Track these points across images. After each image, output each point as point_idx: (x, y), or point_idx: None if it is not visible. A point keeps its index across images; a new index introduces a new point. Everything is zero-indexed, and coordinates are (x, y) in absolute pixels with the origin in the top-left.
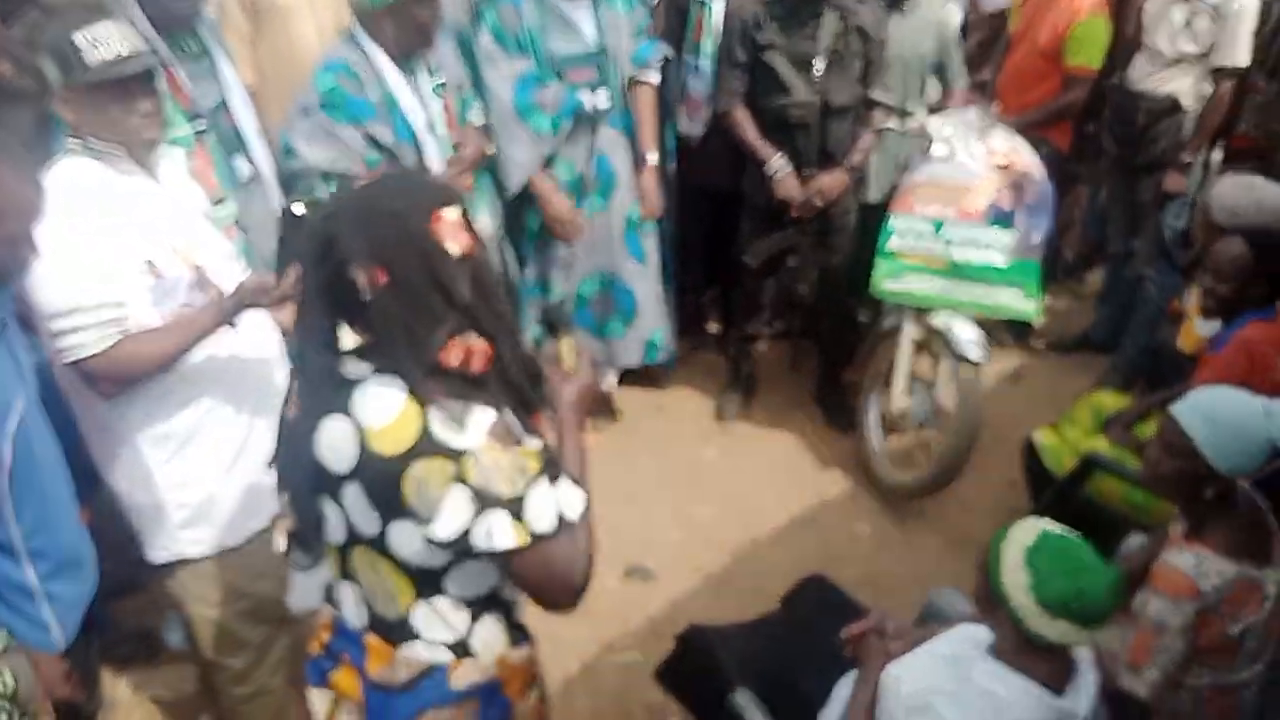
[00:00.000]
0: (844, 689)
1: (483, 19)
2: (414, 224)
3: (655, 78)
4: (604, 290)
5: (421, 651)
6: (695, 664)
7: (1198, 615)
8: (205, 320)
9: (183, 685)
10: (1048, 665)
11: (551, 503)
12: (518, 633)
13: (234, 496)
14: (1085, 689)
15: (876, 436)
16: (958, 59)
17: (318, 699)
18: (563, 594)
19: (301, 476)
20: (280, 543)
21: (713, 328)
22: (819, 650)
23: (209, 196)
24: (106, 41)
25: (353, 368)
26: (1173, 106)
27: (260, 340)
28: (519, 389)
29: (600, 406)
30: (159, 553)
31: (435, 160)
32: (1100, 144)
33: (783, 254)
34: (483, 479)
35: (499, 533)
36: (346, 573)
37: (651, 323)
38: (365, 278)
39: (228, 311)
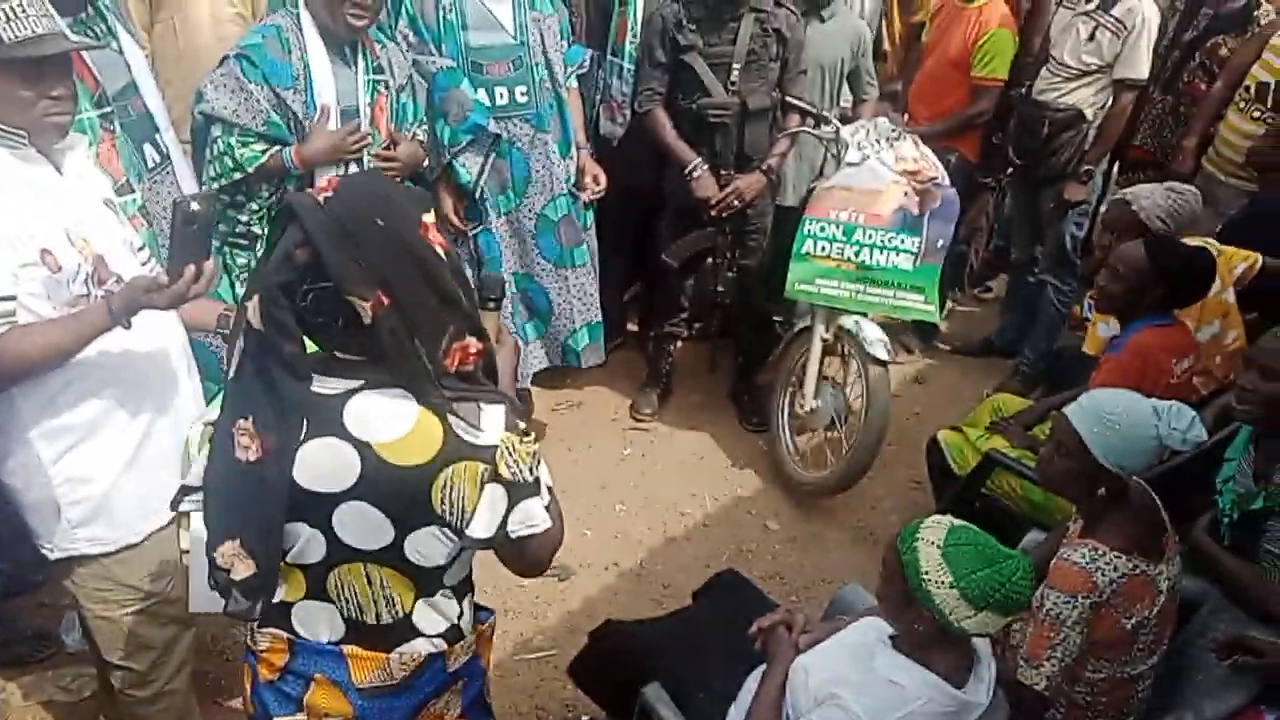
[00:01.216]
0: (754, 682)
1: (401, 7)
2: (406, 236)
3: (575, 83)
4: (518, 290)
5: (422, 646)
6: (607, 660)
7: (1093, 609)
8: (93, 319)
9: (80, 687)
10: (949, 658)
11: (546, 475)
12: (481, 609)
13: (132, 494)
14: (985, 680)
15: (787, 435)
16: (870, 68)
17: None
18: (548, 560)
19: (271, 512)
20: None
21: (632, 326)
22: (730, 644)
23: (114, 184)
24: (24, 18)
25: (324, 384)
26: (1076, 118)
27: (161, 335)
28: (494, 375)
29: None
30: (54, 551)
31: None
32: (1006, 154)
33: (701, 254)
34: (514, 471)
35: (537, 517)
36: (314, 593)
37: (569, 323)
38: (368, 303)
39: (118, 312)
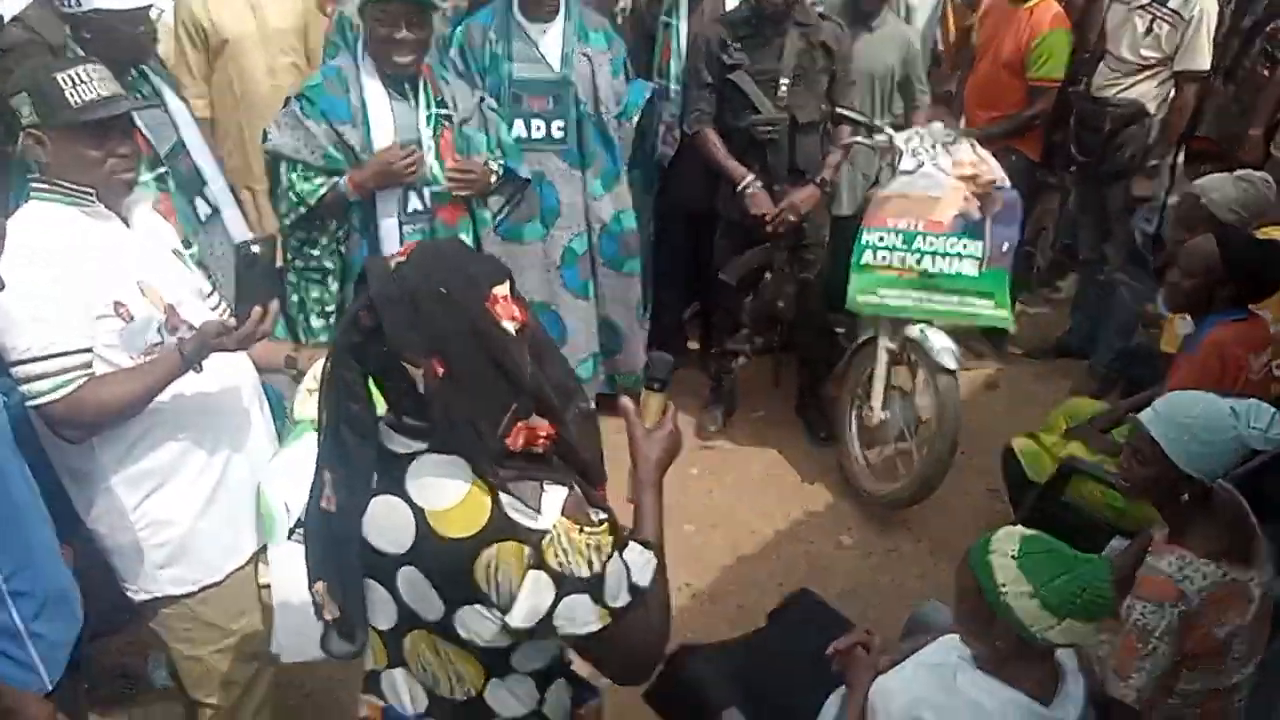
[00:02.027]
0: (833, 706)
1: (453, 36)
2: (469, 306)
3: (633, 120)
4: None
5: None
6: (684, 684)
7: (1182, 620)
8: (168, 366)
9: None
10: (1034, 674)
11: (624, 574)
12: (583, 689)
13: (212, 534)
14: (1073, 697)
15: (857, 448)
16: (922, 74)
17: None
18: (638, 668)
19: (345, 564)
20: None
21: (693, 346)
22: (807, 667)
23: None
24: (89, 82)
25: (399, 442)
26: (1138, 112)
27: (232, 377)
28: (582, 464)
29: None
30: (139, 593)
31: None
32: (1068, 152)
33: (759, 270)
34: (561, 561)
35: (581, 615)
36: (396, 659)
37: (578, 353)
38: (420, 370)
39: (190, 357)
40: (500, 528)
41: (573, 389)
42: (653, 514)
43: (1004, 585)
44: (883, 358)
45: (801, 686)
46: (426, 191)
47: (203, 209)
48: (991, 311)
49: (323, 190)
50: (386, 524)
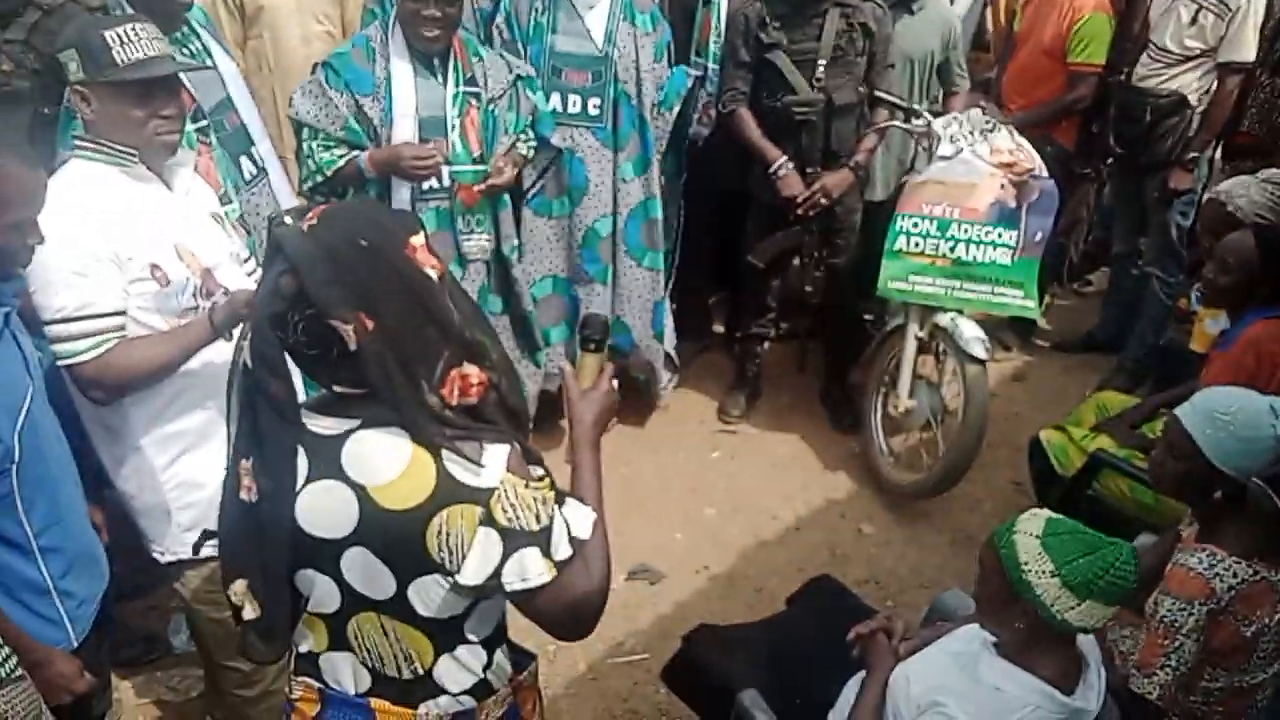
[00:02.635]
0: (852, 690)
1: (501, 3)
2: (390, 256)
3: (673, 109)
4: (555, 293)
5: (447, 705)
6: (701, 664)
7: (1210, 617)
8: (198, 333)
9: (188, 688)
10: (1055, 661)
11: (565, 528)
12: (521, 654)
13: None
14: (1094, 687)
15: (881, 437)
16: (961, 59)
17: None
18: (581, 621)
19: (270, 556)
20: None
21: (718, 328)
22: (826, 651)
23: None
24: (136, 41)
25: (323, 424)
26: (1179, 104)
27: None
28: (511, 411)
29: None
30: (165, 554)
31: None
32: (1106, 142)
33: (788, 254)
34: (510, 517)
35: (532, 569)
36: (338, 644)
37: None
38: (350, 326)
39: (220, 325)
40: (447, 491)
41: (493, 335)
42: (590, 470)
43: (1026, 563)
44: (911, 345)
45: (820, 670)
46: (445, 171)
47: (248, 168)
48: (1020, 302)
49: (340, 162)
50: (325, 509)
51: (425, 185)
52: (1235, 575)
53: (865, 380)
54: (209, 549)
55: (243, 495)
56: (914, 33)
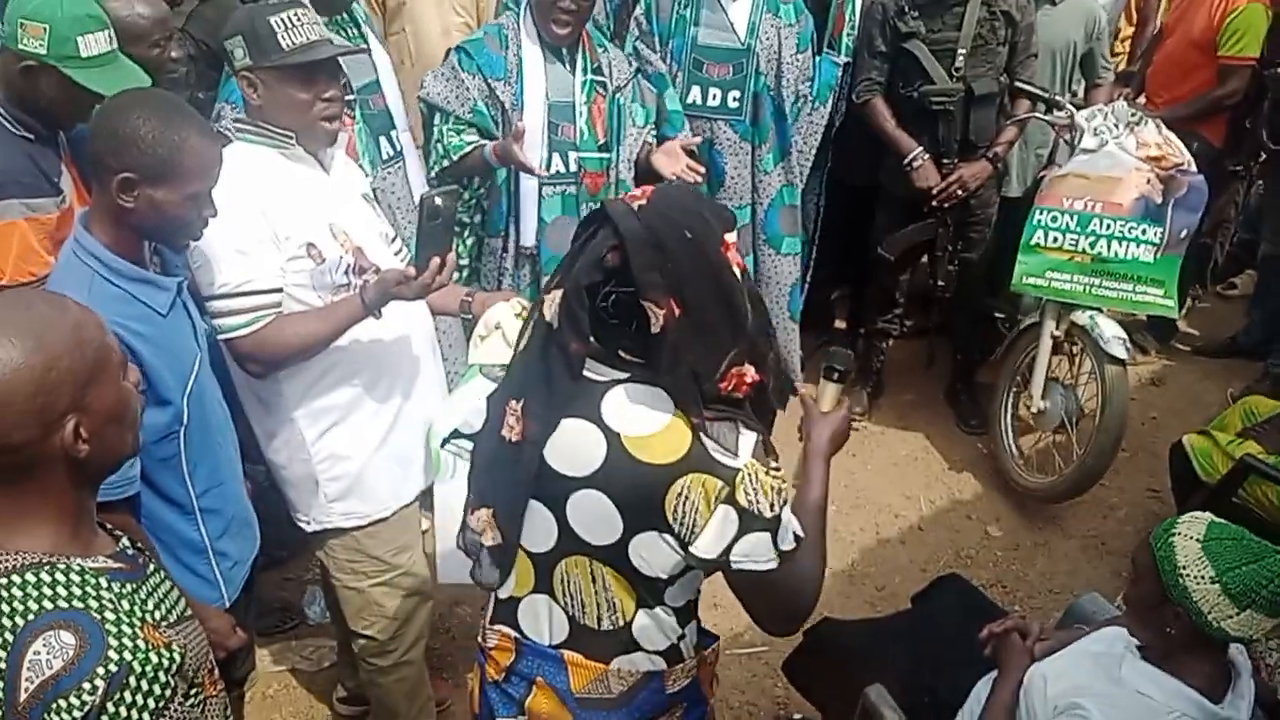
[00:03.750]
0: (983, 689)
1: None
2: (710, 251)
3: (824, 105)
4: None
5: (641, 662)
6: (825, 658)
7: None
8: (350, 310)
9: (320, 658)
10: (1205, 669)
11: (791, 522)
12: (706, 635)
13: (383, 472)
14: (1245, 698)
15: (1011, 438)
16: (1105, 51)
17: None
18: (792, 614)
19: (519, 492)
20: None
21: (840, 324)
22: (955, 649)
23: None
24: (299, 26)
25: (594, 369)
26: None
27: (409, 324)
28: (771, 414)
29: None
30: (310, 524)
31: (535, 142)
32: (1258, 138)
33: (920, 248)
34: (751, 500)
35: (761, 553)
36: (543, 585)
37: None
38: (661, 310)
39: (371, 303)
40: (698, 460)
41: (773, 341)
42: (820, 482)
43: (1184, 567)
44: (1046, 344)
45: (949, 668)
46: (573, 155)
47: (386, 149)
48: (1161, 301)
49: (468, 148)
50: (573, 447)
51: (553, 170)
52: None
53: (995, 380)
54: (452, 449)
55: (504, 433)
56: (1056, 22)
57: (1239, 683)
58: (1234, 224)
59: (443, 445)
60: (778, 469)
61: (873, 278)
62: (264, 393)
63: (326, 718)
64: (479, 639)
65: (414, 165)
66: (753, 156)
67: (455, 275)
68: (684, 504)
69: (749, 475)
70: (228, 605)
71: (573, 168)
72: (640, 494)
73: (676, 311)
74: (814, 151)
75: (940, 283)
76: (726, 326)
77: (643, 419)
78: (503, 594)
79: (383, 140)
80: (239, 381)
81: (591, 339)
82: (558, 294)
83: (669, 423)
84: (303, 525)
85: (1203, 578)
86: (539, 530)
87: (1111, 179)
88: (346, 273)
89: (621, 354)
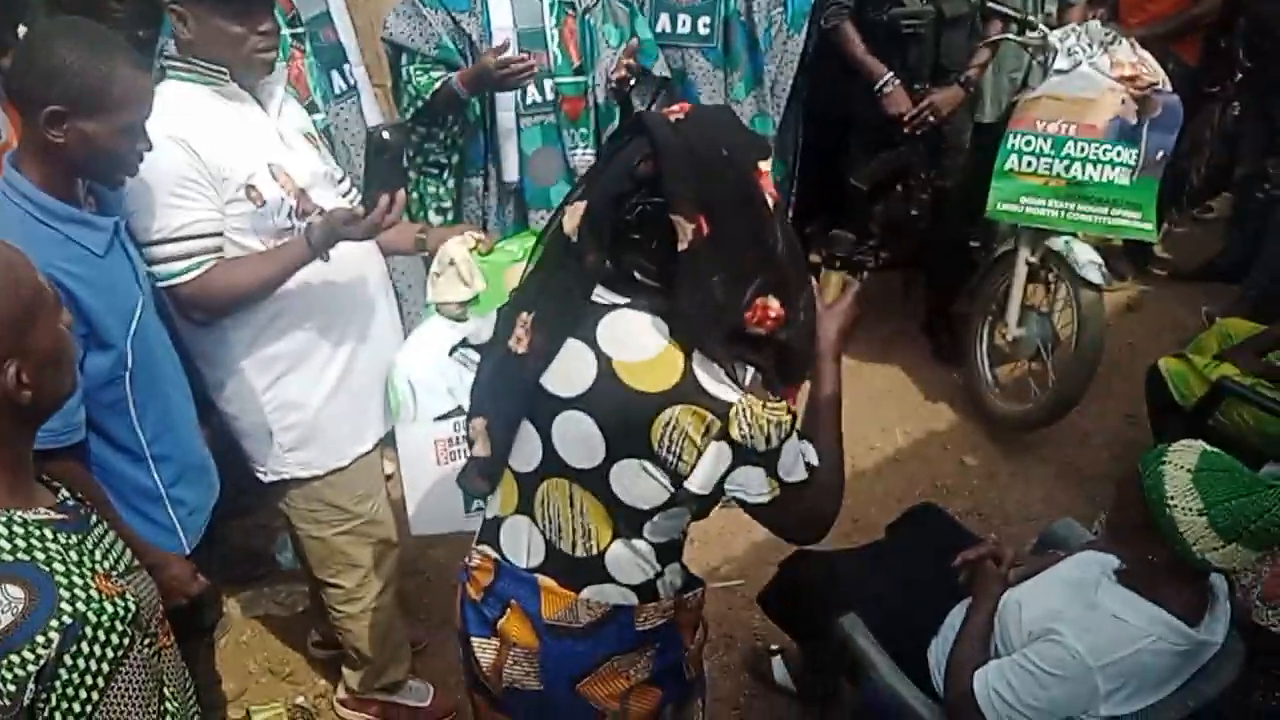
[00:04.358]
0: (957, 617)
1: None
2: (746, 174)
3: (799, 32)
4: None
5: (611, 594)
6: (800, 589)
7: None
8: (294, 253)
9: (294, 603)
10: (1184, 595)
11: (799, 453)
12: (691, 577)
13: (339, 419)
14: (1221, 620)
15: (986, 367)
16: None
17: (482, 648)
18: (807, 531)
19: (516, 404)
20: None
21: (815, 258)
22: (930, 577)
23: (302, 104)
24: None
25: (600, 294)
26: None
27: (360, 266)
28: (794, 356)
29: None
30: (267, 475)
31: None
32: (1234, 57)
33: (893, 176)
34: (744, 434)
35: (754, 486)
36: (524, 506)
37: None
38: (691, 226)
39: (317, 245)
40: (689, 391)
41: (806, 281)
42: (831, 379)
43: (1173, 498)
44: (1021, 271)
45: (923, 596)
46: (548, 84)
47: (339, 83)
48: (1138, 224)
49: (437, 84)
50: (566, 367)
51: (529, 100)
52: None
53: (971, 309)
54: (459, 356)
55: (512, 344)
56: None
57: (1216, 606)
58: (1210, 146)
59: (451, 353)
60: (778, 402)
61: (846, 209)
62: (210, 341)
63: (301, 662)
64: (466, 560)
65: (369, 100)
66: (725, 85)
67: (439, 219)
68: (671, 433)
69: (743, 409)
70: (188, 552)
71: (549, 95)
72: (625, 420)
73: (705, 229)
74: (789, 83)
75: (915, 212)
76: (753, 252)
77: (636, 345)
78: (489, 513)
79: (334, 74)
80: (185, 333)
81: (607, 261)
82: (580, 205)
83: (662, 351)
84: (260, 476)
85: (1190, 509)
86: (525, 449)
87: (1085, 100)
88: (289, 215)
89: (637, 275)
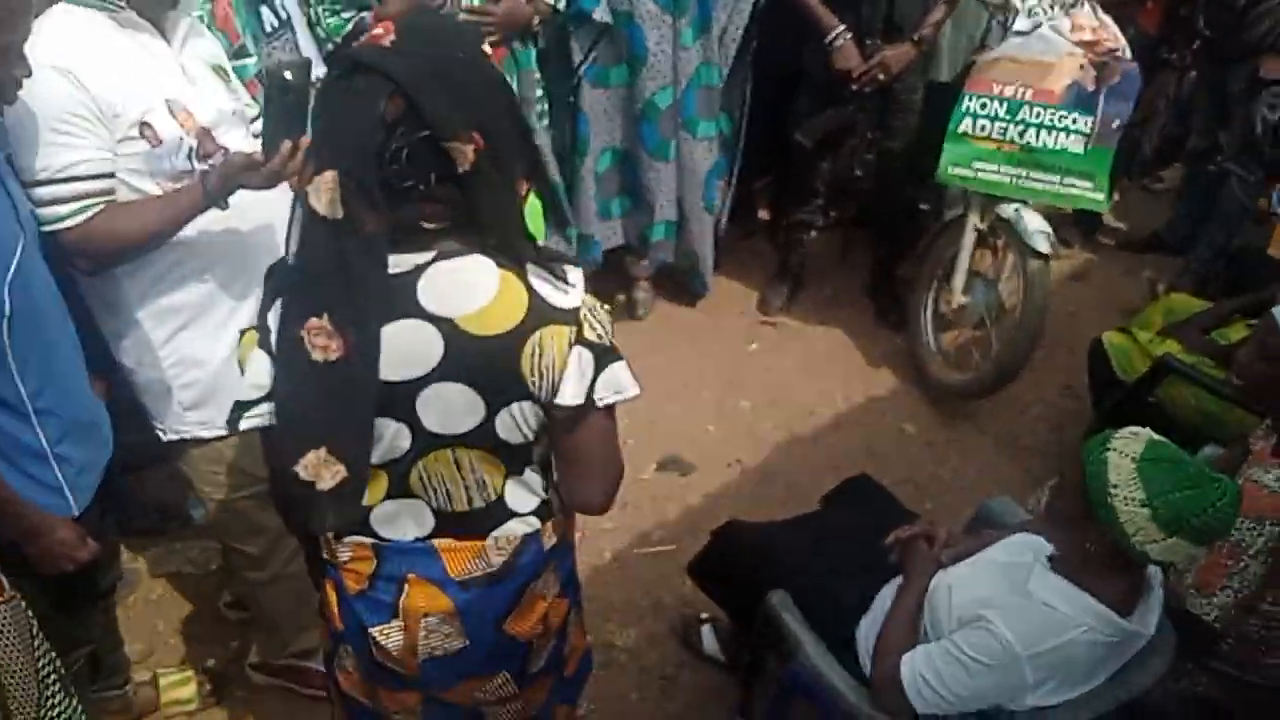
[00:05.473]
0: (887, 596)
1: None
2: (488, 66)
3: None
4: (616, 165)
5: (516, 527)
6: (730, 561)
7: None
8: (189, 199)
9: (207, 560)
10: (1118, 585)
11: None
12: None
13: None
14: (1154, 610)
15: (930, 333)
16: None
17: (385, 634)
18: (612, 480)
19: (360, 412)
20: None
21: (763, 214)
22: (862, 554)
23: (230, 47)
24: None
25: (397, 262)
26: None
27: (266, 213)
28: (563, 220)
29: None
30: (167, 433)
31: None
32: (1193, 26)
33: (840, 134)
34: (599, 333)
35: (624, 380)
36: (396, 491)
37: (650, 215)
38: (469, 147)
39: (213, 192)
40: (541, 312)
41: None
42: None
43: (1115, 487)
44: (969, 237)
45: (854, 574)
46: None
47: (269, 19)
48: (1091, 194)
49: (349, 26)
50: (403, 352)
51: None
52: None
53: (916, 274)
54: (250, 421)
55: (316, 357)
56: None
57: (1149, 596)
58: (1164, 116)
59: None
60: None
61: (792, 166)
62: (104, 292)
63: (213, 623)
64: (325, 556)
65: (304, 35)
66: (674, 31)
67: None
68: (539, 361)
69: (589, 309)
70: (76, 514)
71: None
72: (494, 368)
73: (481, 142)
74: (739, 32)
75: (859, 172)
76: (519, 141)
77: (470, 294)
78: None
79: (264, 10)
80: (80, 280)
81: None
82: (327, 177)
83: (499, 287)
84: (160, 434)
85: (1133, 499)
86: (386, 443)
87: (1044, 64)
88: (189, 157)
89: (425, 225)
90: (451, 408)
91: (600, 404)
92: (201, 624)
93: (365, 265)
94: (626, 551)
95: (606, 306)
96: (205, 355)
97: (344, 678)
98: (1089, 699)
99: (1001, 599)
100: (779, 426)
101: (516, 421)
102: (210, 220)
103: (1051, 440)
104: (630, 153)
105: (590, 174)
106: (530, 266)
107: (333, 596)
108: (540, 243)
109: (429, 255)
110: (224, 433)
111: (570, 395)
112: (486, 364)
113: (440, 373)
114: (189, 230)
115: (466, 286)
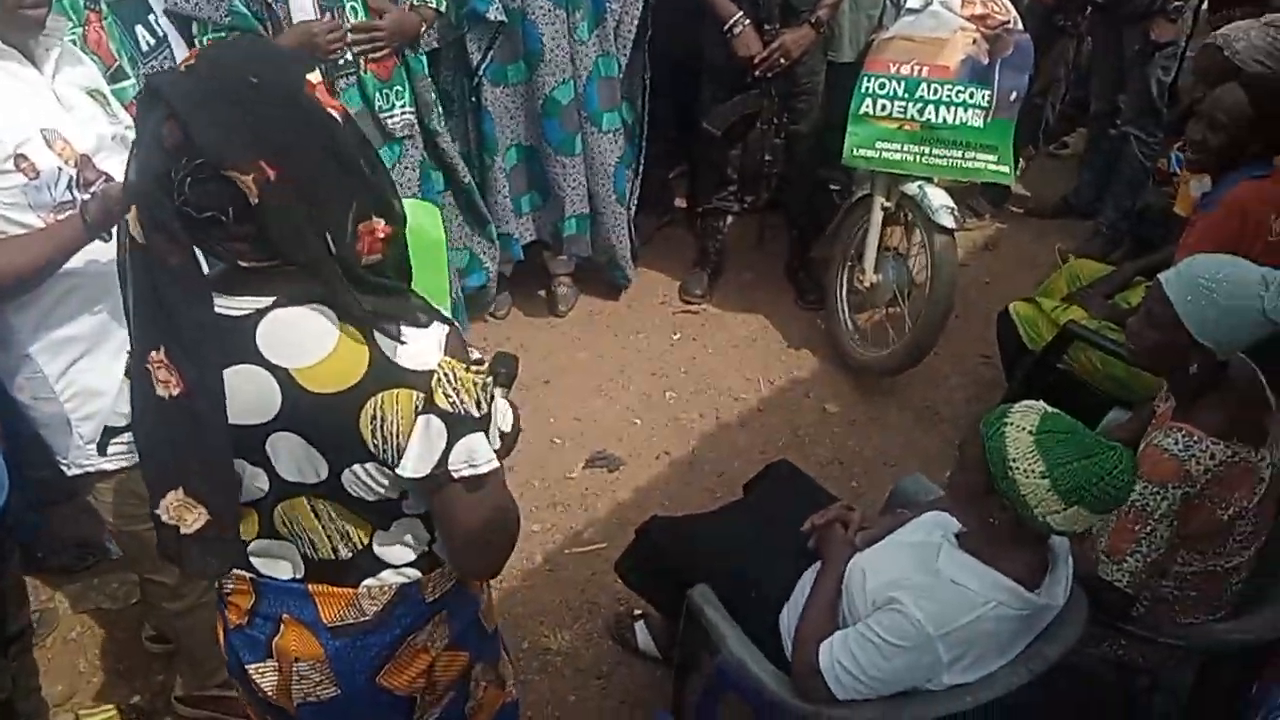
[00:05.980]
0: (807, 582)
1: None
2: (290, 93)
3: None
4: (523, 162)
5: (390, 578)
6: (654, 558)
7: (1184, 501)
8: (69, 232)
9: (127, 594)
10: (1023, 558)
11: (496, 419)
12: None
13: None
14: (1061, 582)
15: (846, 312)
16: None
17: (261, 673)
18: (504, 534)
19: (214, 448)
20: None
21: (680, 203)
22: (783, 541)
23: (105, 70)
24: None
25: (231, 304)
26: None
27: None
28: (406, 274)
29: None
30: (70, 468)
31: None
32: None
33: (747, 120)
34: (453, 401)
35: (481, 454)
36: (265, 531)
37: (561, 210)
38: (250, 176)
39: (93, 224)
40: (382, 373)
41: (393, 185)
42: None
43: (1014, 460)
44: (877, 216)
45: (776, 562)
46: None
47: (145, 38)
48: (995, 167)
49: None
50: (245, 397)
51: (337, 61)
52: (1212, 457)
53: (830, 254)
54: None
55: (160, 393)
56: None
57: (1056, 568)
58: (1065, 82)
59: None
60: (479, 364)
61: (703, 155)
62: None
63: (136, 658)
64: (214, 586)
65: (182, 51)
66: (569, 26)
67: None
68: (380, 427)
69: (446, 374)
70: None
71: (353, 55)
72: (331, 428)
73: (270, 172)
74: (635, 23)
75: (769, 156)
76: (338, 175)
77: (306, 346)
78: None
79: (140, 30)
80: None
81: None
82: (134, 208)
83: (337, 341)
84: (64, 469)
85: (1032, 472)
86: (246, 483)
87: (937, 40)
88: (70, 187)
89: (242, 263)
90: (297, 457)
91: (457, 476)
92: (125, 660)
93: (176, 297)
94: (557, 553)
95: (477, 367)
96: (102, 386)
97: (253, 708)
98: (1003, 674)
99: (911, 579)
100: (705, 415)
101: (364, 481)
102: (97, 250)
103: (970, 410)
104: (535, 149)
105: (500, 172)
106: (373, 320)
107: (220, 630)
108: (420, 290)
109: (267, 300)
110: (128, 464)
111: (413, 467)
112: (324, 421)
113: (281, 422)
114: (76, 260)
115: (301, 338)
